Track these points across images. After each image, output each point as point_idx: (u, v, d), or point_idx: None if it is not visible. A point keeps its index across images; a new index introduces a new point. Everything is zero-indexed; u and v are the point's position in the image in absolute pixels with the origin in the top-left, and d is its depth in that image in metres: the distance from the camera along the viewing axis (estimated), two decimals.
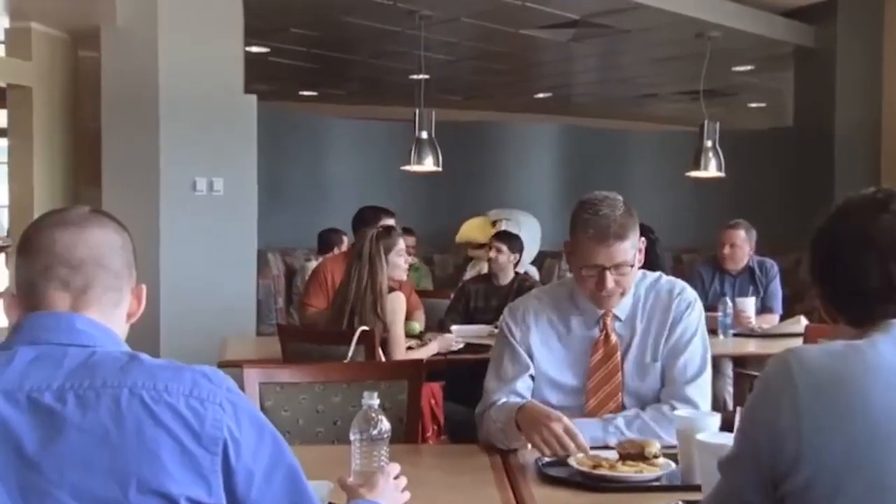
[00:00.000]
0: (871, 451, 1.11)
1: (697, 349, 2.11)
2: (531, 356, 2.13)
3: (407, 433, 2.31)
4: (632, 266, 2.07)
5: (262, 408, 2.22)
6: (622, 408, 2.08)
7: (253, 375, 2.25)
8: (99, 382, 1.08)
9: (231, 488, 1.10)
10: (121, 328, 1.24)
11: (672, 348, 2.09)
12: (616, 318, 2.13)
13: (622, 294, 2.10)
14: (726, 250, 4.59)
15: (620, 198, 2.11)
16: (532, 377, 2.13)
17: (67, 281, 1.17)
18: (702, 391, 2.08)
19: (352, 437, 1.56)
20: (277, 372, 2.31)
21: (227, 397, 1.12)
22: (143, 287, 1.27)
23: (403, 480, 1.51)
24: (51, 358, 1.11)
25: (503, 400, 2.07)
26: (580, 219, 2.06)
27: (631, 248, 2.06)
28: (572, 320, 2.14)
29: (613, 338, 2.12)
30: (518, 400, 2.04)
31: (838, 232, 1.26)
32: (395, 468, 1.51)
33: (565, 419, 1.89)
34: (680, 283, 2.19)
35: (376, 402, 1.57)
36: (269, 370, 2.31)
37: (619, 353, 2.11)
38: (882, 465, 1.11)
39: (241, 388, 2.20)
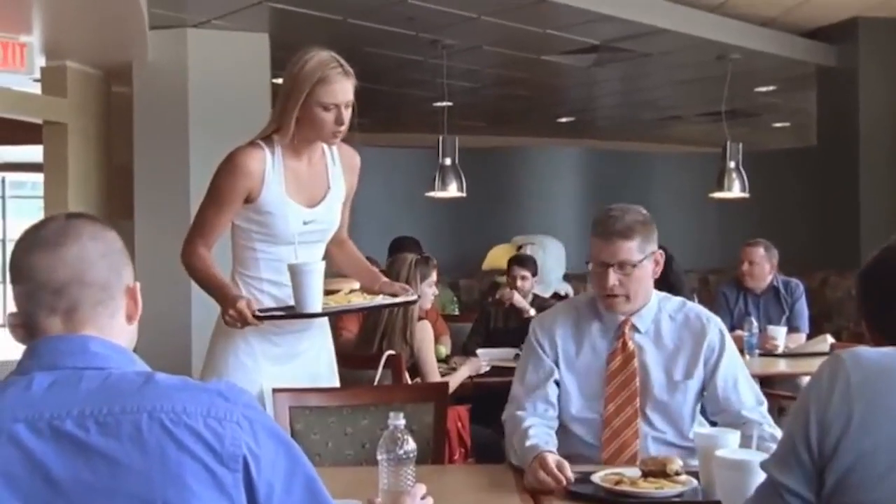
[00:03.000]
0: None
1: (747, 373, 2.19)
2: (556, 364, 2.20)
3: (434, 455, 2.34)
4: (635, 267, 2.12)
5: (293, 431, 2.27)
6: (640, 414, 2.13)
7: (283, 399, 2.30)
8: (118, 408, 1.08)
9: (253, 501, 1.12)
10: (125, 335, 1.22)
11: (726, 375, 2.14)
12: (635, 328, 2.18)
13: (628, 299, 2.15)
14: (745, 267, 4.58)
15: (642, 209, 2.20)
16: (557, 383, 2.20)
17: (53, 306, 1.16)
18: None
19: (379, 458, 1.59)
20: (306, 396, 2.35)
21: (244, 413, 1.13)
22: (137, 285, 1.24)
23: (430, 501, 1.54)
24: (68, 383, 1.11)
25: (529, 423, 2.09)
26: (595, 219, 2.20)
27: (637, 250, 2.12)
28: (593, 328, 2.21)
29: (631, 345, 2.17)
30: (542, 440, 2.01)
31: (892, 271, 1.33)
32: (421, 489, 1.54)
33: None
34: (706, 310, 2.26)
35: (402, 422, 1.61)
36: (298, 394, 2.34)
37: (636, 361, 2.16)
38: None
39: (273, 412, 2.27)
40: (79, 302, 1.17)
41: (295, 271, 2.23)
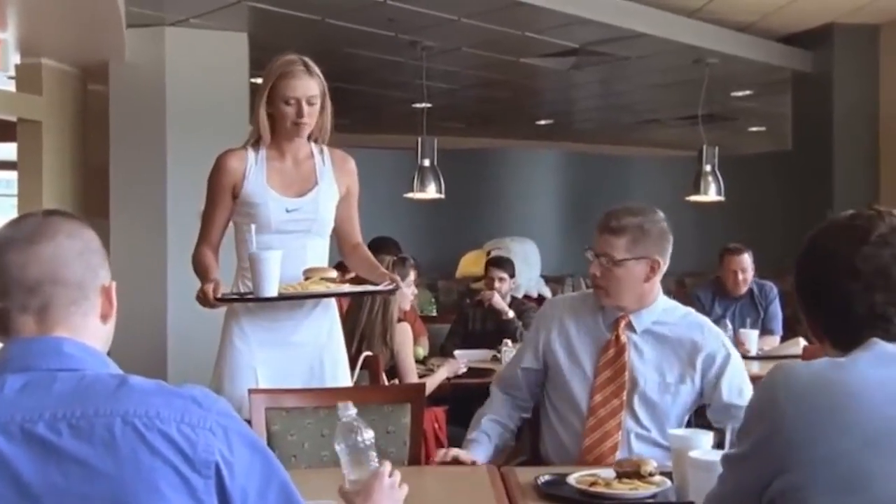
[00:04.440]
0: (852, 457, 1.15)
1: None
2: (549, 354, 2.31)
3: (411, 456, 2.35)
4: (616, 265, 2.19)
5: (269, 432, 2.27)
6: (626, 407, 2.20)
7: (259, 400, 2.30)
8: (91, 411, 1.07)
9: None
10: (100, 335, 1.21)
11: (731, 384, 2.21)
12: (631, 326, 2.25)
13: (608, 293, 2.23)
14: (739, 277, 4.57)
15: (659, 214, 2.27)
16: (537, 373, 2.35)
17: (26, 304, 1.15)
18: None
19: (337, 449, 1.59)
20: (283, 397, 2.35)
21: (217, 421, 1.12)
22: (113, 285, 1.22)
23: (397, 475, 1.52)
24: (40, 385, 1.10)
25: (489, 413, 2.36)
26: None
27: (623, 249, 2.20)
28: (595, 319, 2.30)
29: (623, 339, 2.24)
30: (481, 437, 2.31)
31: (822, 260, 1.31)
32: (386, 467, 1.53)
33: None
34: (710, 322, 2.34)
35: (353, 411, 1.61)
36: (274, 395, 2.35)
37: (626, 355, 2.23)
38: (861, 473, 1.15)
39: (249, 413, 2.26)
40: (52, 300, 1.15)
41: (252, 258, 2.37)
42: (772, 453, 1.19)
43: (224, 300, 2.42)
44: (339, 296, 2.69)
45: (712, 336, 2.24)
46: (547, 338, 2.33)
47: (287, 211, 2.48)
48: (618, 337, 2.24)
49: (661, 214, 2.28)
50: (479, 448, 2.30)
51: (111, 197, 5.54)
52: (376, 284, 2.54)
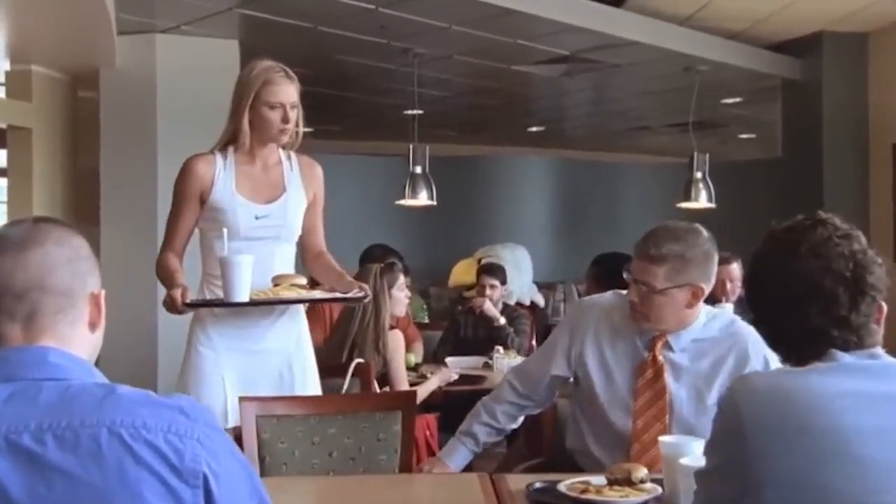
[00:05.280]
0: (816, 473, 1.14)
1: None
2: (581, 367, 2.24)
3: (402, 463, 2.35)
4: (656, 293, 2.09)
5: (259, 440, 2.27)
6: (668, 431, 2.11)
7: (250, 408, 2.30)
8: (77, 421, 1.07)
9: None
10: (87, 343, 1.20)
11: None
12: (668, 346, 2.17)
13: (648, 318, 2.14)
14: (728, 286, 4.55)
15: (702, 236, 2.14)
16: (566, 382, 2.30)
17: (12, 311, 1.14)
18: None
19: None
20: (273, 405, 2.36)
21: (204, 431, 1.12)
22: (102, 293, 1.22)
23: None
24: (25, 395, 1.09)
25: (484, 413, 2.37)
26: (645, 233, 2.19)
27: (663, 278, 2.09)
28: (628, 335, 2.22)
29: (660, 359, 2.16)
30: (468, 436, 2.36)
31: (759, 277, 1.30)
32: None
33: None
34: (755, 333, 2.18)
35: None
36: (265, 403, 2.35)
37: (665, 376, 2.14)
38: (826, 485, 1.13)
39: (223, 420, 2.30)
40: (39, 308, 1.15)
41: (223, 263, 2.36)
42: (737, 472, 1.18)
43: (193, 305, 2.40)
44: (309, 302, 2.66)
45: (755, 351, 2.14)
46: (580, 350, 2.25)
47: (256, 218, 2.48)
48: (654, 357, 2.16)
49: (704, 235, 2.17)
50: (459, 454, 2.32)
51: (102, 204, 5.52)
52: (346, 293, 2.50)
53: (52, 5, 4.51)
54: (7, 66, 5.58)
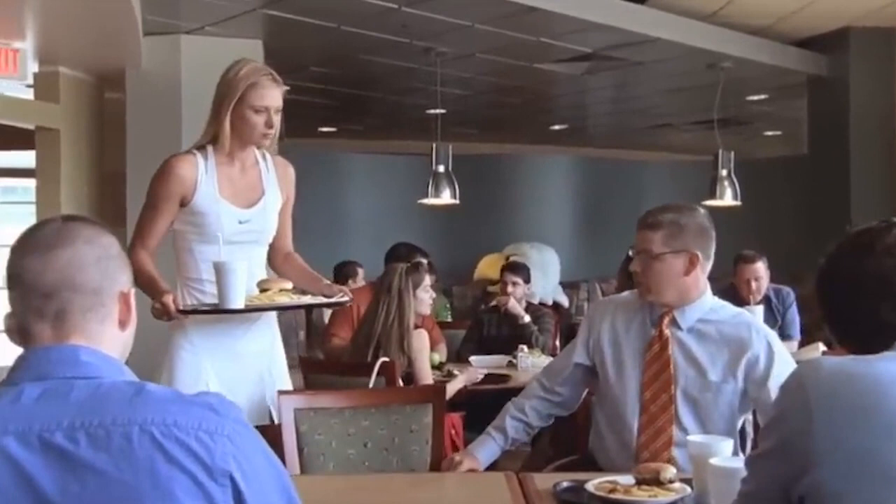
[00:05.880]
0: (880, 451, 1.16)
1: None
2: (598, 353, 2.35)
3: (433, 453, 2.43)
4: (654, 259, 2.23)
5: (298, 432, 2.35)
6: (673, 402, 2.22)
7: (288, 402, 2.39)
8: (108, 420, 1.08)
9: None
10: (117, 342, 1.21)
11: (779, 383, 2.14)
12: (675, 322, 2.27)
13: (650, 290, 2.26)
14: (753, 285, 4.52)
15: (698, 211, 2.30)
16: (590, 368, 2.39)
17: (42, 310, 1.15)
18: None
19: None
20: (311, 398, 2.46)
21: (234, 428, 1.12)
22: (132, 291, 1.23)
23: None
24: (57, 394, 1.10)
25: (515, 409, 2.43)
26: None
27: (660, 243, 2.23)
28: (639, 317, 2.33)
29: (666, 333, 2.26)
30: (498, 432, 2.40)
31: (834, 273, 1.35)
32: None
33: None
34: (760, 323, 2.34)
35: None
36: (303, 397, 2.46)
37: (671, 349, 2.25)
38: (892, 463, 1.16)
39: (279, 414, 2.36)
40: (68, 307, 1.16)
41: (218, 269, 2.31)
42: (799, 450, 1.20)
43: (188, 312, 2.37)
44: (302, 307, 2.68)
45: (759, 336, 2.22)
46: (598, 336, 2.36)
47: (240, 223, 2.44)
48: (661, 332, 2.27)
49: (701, 211, 2.31)
50: (487, 449, 2.37)
51: (128, 204, 5.58)
52: (331, 296, 2.47)
53: (79, 8, 4.57)
54: (35, 67, 5.65)
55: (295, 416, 2.36)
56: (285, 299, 2.40)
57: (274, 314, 2.56)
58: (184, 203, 2.44)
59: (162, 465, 1.06)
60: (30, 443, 1.06)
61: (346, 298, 2.45)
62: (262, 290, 2.42)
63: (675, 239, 2.23)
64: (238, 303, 2.29)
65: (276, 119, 2.42)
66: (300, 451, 2.33)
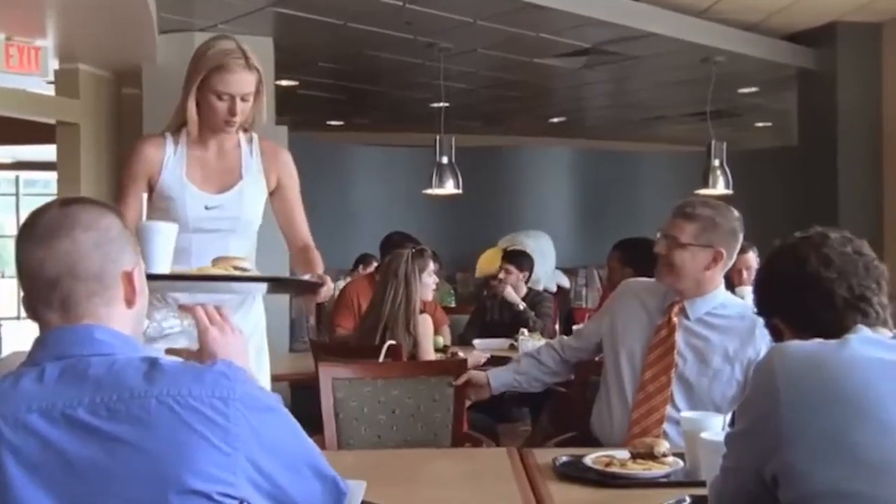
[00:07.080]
0: (847, 433, 1.19)
1: None
2: (615, 330, 2.47)
3: (455, 417, 2.68)
4: (679, 248, 2.30)
5: (334, 398, 2.64)
6: (670, 384, 2.32)
7: (327, 371, 2.70)
8: (126, 394, 1.11)
9: (260, 474, 1.15)
10: (127, 320, 1.23)
11: None
12: (684, 312, 2.36)
13: (671, 269, 2.33)
14: (744, 275, 4.59)
15: (734, 213, 2.36)
16: (597, 345, 2.56)
17: (48, 299, 1.18)
18: None
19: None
20: (345, 370, 2.77)
21: (246, 390, 1.15)
22: (136, 269, 1.23)
23: (220, 317, 1.44)
24: (75, 371, 1.13)
25: (525, 359, 2.70)
26: None
27: (689, 234, 2.30)
28: (653, 303, 2.44)
29: (674, 320, 2.36)
30: (501, 371, 2.68)
31: (795, 263, 1.43)
32: (199, 313, 1.42)
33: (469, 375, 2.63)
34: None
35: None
36: (339, 368, 2.77)
37: (676, 336, 2.34)
38: (858, 444, 1.18)
39: (316, 382, 2.63)
40: (72, 294, 1.18)
41: (139, 231, 1.95)
42: (769, 431, 1.22)
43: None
44: (234, 280, 2.08)
45: (764, 334, 2.21)
46: (613, 317, 2.49)
47: (206, 208, 2.23)
48: (670, 319, 2.35)
49: (735, 213, 2.36)
50: (502, 375, 2.63)
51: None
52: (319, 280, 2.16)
53: (98, 7, 4.71)
54: (56, 65, 5.77)
55: (333, 385, 2.65)
56: (217, 271, 2.03)
57: (259, 299, 2.39)
58: (151, 187, 2.24)
59: (181, 433, 1.09)
60: (55, 419, 1.09)
61: (315, 281, 2.12)
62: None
63: (706, 234, 2.28)
64: (159, 268, 1.95)
65: (242, 106, 2.18)
66: (336, 415, 2.63)
